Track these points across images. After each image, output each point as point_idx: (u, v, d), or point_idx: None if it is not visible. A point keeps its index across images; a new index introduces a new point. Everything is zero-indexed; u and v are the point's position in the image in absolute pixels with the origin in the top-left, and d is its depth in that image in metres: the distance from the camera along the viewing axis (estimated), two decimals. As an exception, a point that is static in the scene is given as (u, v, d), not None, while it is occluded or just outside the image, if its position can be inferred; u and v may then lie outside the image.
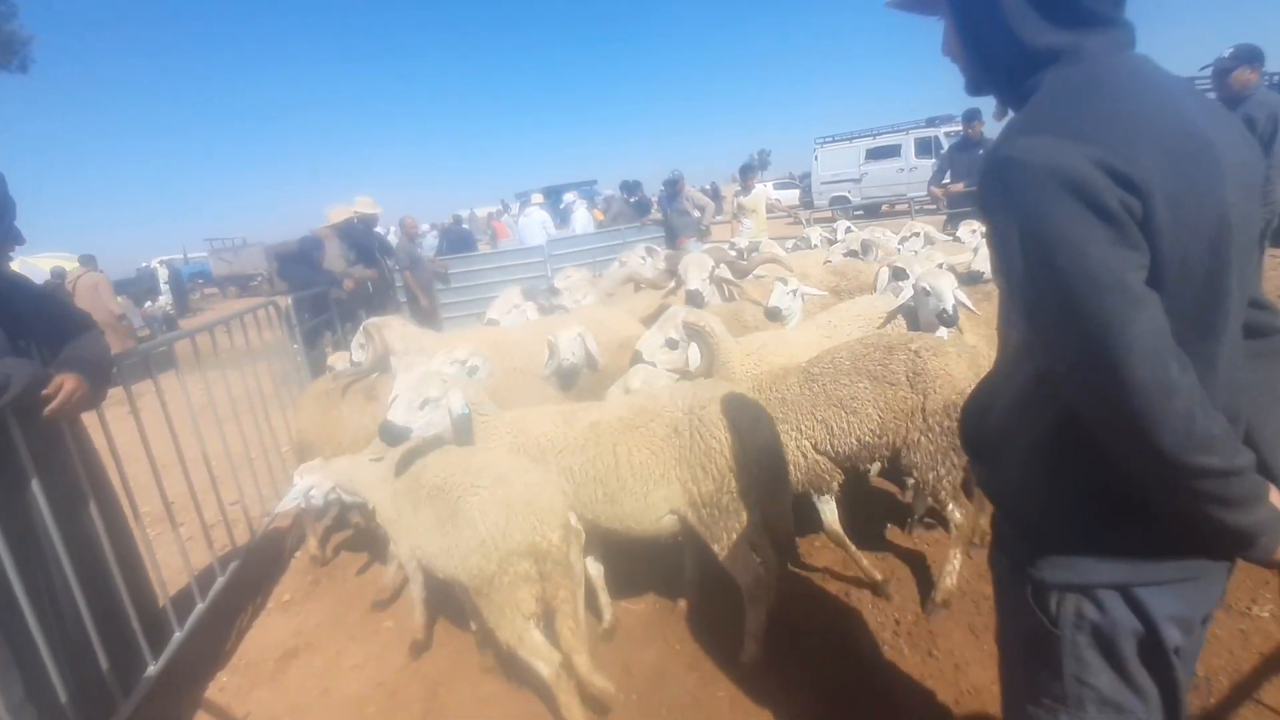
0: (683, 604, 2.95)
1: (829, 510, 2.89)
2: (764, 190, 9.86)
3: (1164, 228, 0.87)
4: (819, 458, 2.80)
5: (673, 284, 4.49)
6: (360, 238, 7.06)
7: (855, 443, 2.73)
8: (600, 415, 2.68)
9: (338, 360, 4.31)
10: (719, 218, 10.97)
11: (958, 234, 5.41)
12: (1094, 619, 1.03)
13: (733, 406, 2.49)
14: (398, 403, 2.58)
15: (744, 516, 2.45)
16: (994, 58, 1.06)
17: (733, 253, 5.41)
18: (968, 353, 2.74)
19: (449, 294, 8.73)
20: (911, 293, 3.35)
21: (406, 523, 2.58)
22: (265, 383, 4.53)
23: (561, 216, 11.66)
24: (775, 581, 2.67)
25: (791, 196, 26.02)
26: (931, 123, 19.39)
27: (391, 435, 2.54)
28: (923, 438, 2.64)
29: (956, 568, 2.72)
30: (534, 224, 10.56)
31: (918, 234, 5.56)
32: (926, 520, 3.29)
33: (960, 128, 9.76)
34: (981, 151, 7.66)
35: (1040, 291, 0.90)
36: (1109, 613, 1.02)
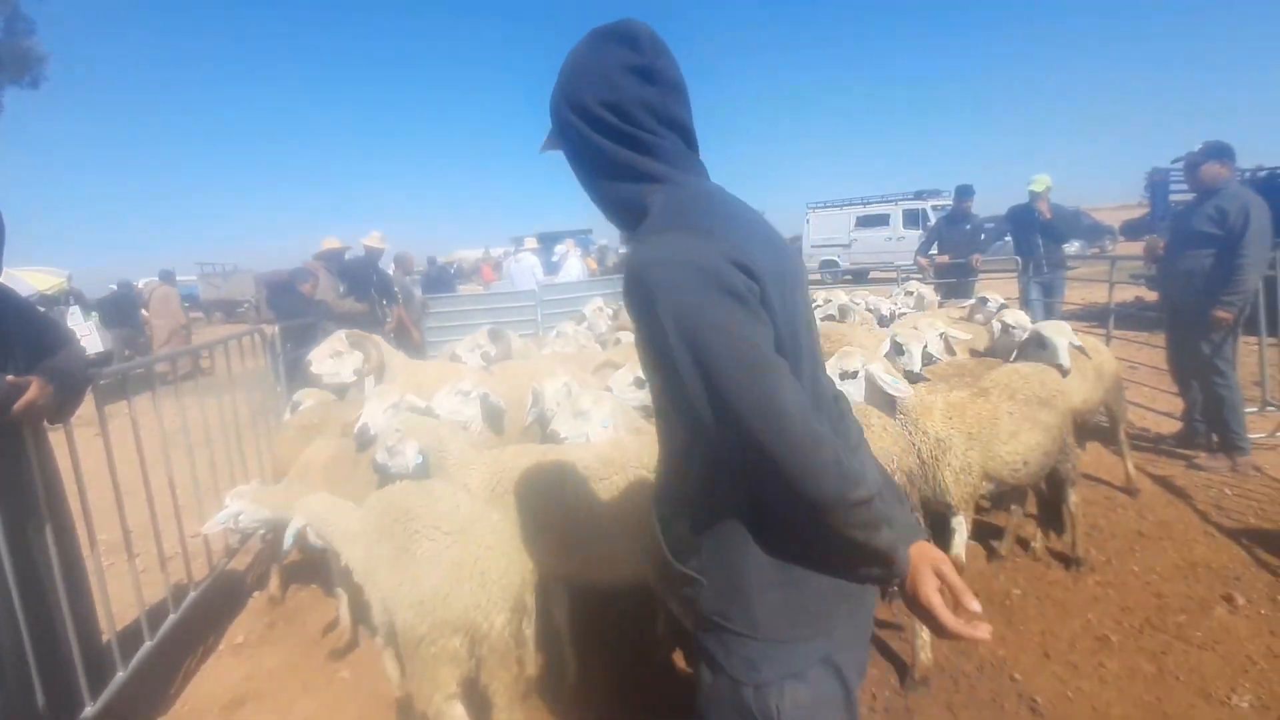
0: (655, 661, 2.85)
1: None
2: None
3: (775, 305, 1.03)
4: None
5: None
6: (359, 271, 7.09)
7: None
8: (570, 459, 2.57)
9: (306, 397, 4.14)
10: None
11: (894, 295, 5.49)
12: (807, 699, 1.10)
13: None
14: (376, 446, 2.54)
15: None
16: (607, 201, 1.20)
17: None
18: (896, 431, 2.73)
19: (433, 334, 8.72)
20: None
21: (375, 567, 2.30)
22: (242, 411, 4.44)
23: (553, 267, 11.73)
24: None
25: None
26: (919, 196, 20.09)
27: (378, 471, 2.49)
28: None
29: (927, 641, 2.68)
30: (525, 269, 10.64)
31: (912, 292, 5.66)
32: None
33: (947, 202, 10.17)
34: (969, 227, 7.94)
35: (703, 374, 0.97)
36: (818, 686, 1.11)
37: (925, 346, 3.50)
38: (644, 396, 3.23)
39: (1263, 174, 10.74)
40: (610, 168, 1.15)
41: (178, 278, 13.84)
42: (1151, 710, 2.50)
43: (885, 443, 2.60)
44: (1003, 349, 4.09)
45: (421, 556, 2.06)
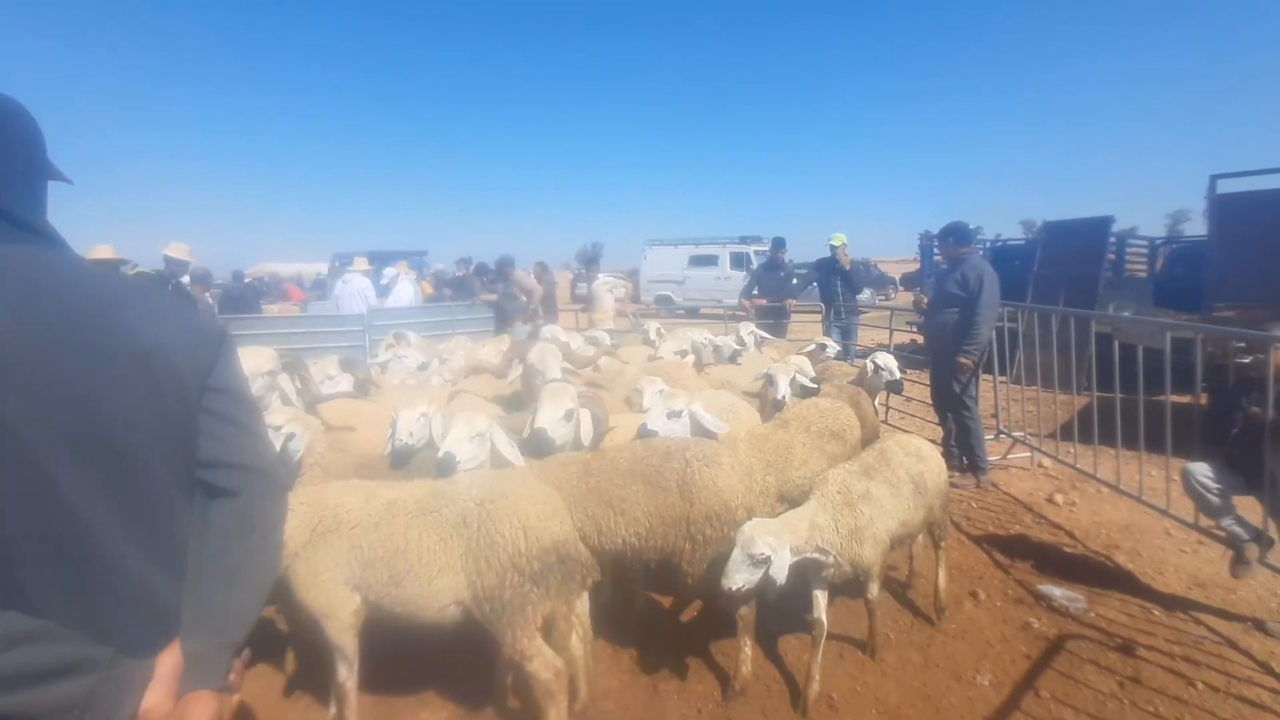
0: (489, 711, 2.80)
1: (582, 604, 2.81)
2: (605, 282, 10.26)
3: None
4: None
5: (516, 373, 4.37)
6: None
7: (620, 543, 2.82)
8: (399, 494, 2.57)
9: None
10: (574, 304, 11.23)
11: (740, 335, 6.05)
12: None
13: (526, 500, 2.49)
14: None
15: (529, 611, 2.40)
16: None
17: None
18: (741, 468, 3.01)
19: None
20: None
21: None
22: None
23: (383, 290, 10.99)
24: (578, 673, 2.64)
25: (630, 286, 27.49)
26: (744, 240, 22.01)
27: None
28: (687, 544, 2.81)
29: (749, 655, 2.93)
30: (353, 291, 9.91)
31: (751, 334, 6.18)
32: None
33: (767, 248, 11.33)
34: (783, 274, 8.92)
35: None
36: None
37: (791, 379, 4.02)
38: (570, 430, 3.19)
39: (999, 244, 13.39)
40: None
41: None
42: (918, 694, 2.97)
43: (732, 480, 2.87)
44: (871, 387, 4.85)
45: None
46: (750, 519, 2.72)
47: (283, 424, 3.05)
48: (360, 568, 2.40)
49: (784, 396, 3.89)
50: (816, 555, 2.76)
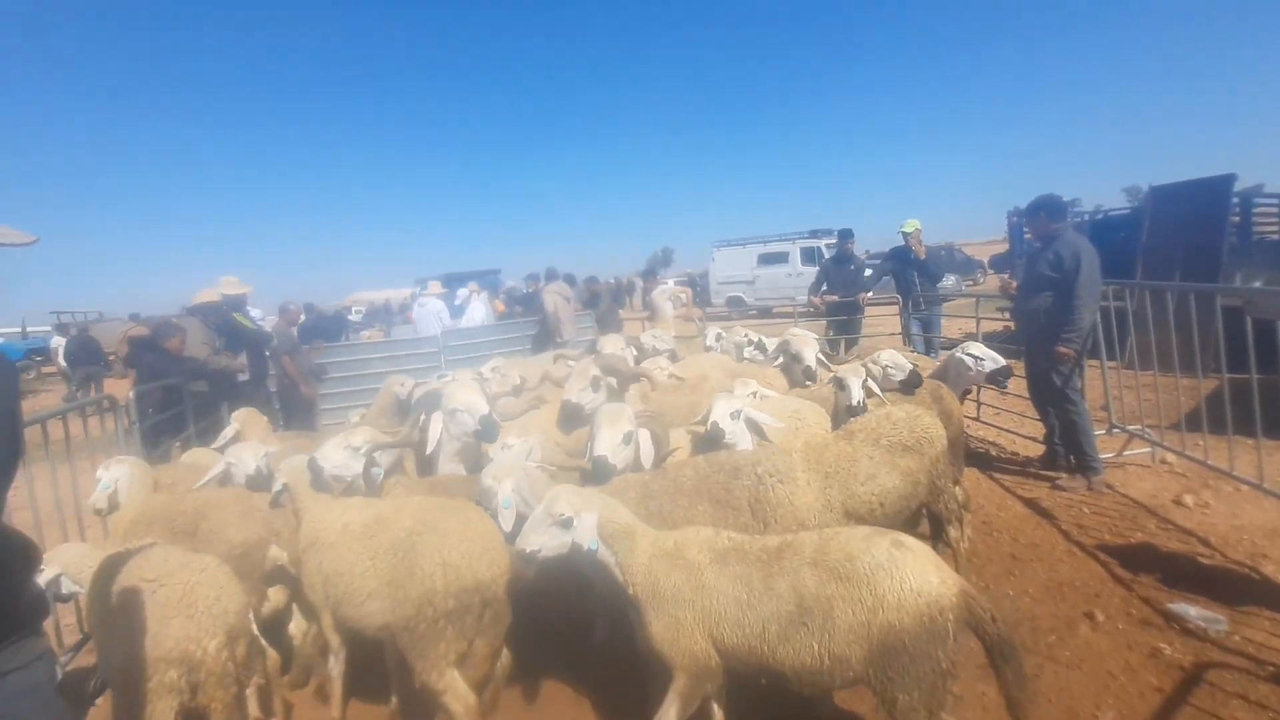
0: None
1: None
2: (666, 289, 10.15)
3: None
4: None
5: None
6: (227, 321, 6.58)
7: None
8: (361, 517, 2.73)
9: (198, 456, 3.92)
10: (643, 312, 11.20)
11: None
12: None
13: (454, 537, 2.46)
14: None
15: (442, 648, 2.38)
16: None
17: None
18: (816, 483, 2.80)
19: (331, 384, 8.21)
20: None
21: (100, 620, 2.47)
22: (84, 491, 3.94)
23: (456, 311, 11.37)
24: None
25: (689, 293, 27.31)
26: (814, 234, 21.32)
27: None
28: None
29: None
30: (429, 314, 10.32)
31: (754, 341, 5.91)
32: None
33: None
34: (853, 267, 8.48)
35: None
36: None
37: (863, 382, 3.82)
38: (629, 453, 3.11)
39: (1099, 216, 12.21)
40: None
41: (28, 329, 12.60)
42: (1027, 736, 2.62)
43: (808, 498, 2.66)
44: (957, 382, 4.58)
45: (131, 606, 2.27)
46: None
47: (361, 444, 3.18)
48: (321, 584, 2.66)
49: (859, 402, 3.61)
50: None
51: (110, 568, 2.44)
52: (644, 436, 3.14)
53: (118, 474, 3.33)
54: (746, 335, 6.04)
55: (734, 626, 2.13)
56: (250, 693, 2.69)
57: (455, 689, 2.40)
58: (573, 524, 2.26)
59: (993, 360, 4.45)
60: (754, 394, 3.81)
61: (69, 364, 14.68)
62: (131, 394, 4.73)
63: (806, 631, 2.04)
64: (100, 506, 3.31)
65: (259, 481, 3.40)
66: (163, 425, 5.22)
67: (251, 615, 2.64)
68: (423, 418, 3.52)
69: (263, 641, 2.79)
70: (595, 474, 2.94)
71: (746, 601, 2.12)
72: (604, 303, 10.50)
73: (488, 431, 3.28)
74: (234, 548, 3.00)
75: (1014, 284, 5.42)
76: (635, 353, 5.19)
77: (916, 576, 1.98)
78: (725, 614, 2.14)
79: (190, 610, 2.30)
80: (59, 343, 17.39)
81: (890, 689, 1.98)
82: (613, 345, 4.96)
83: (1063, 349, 4.69)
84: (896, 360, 4.22)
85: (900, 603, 1.95)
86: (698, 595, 2.18)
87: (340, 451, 3.04)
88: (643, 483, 2.82)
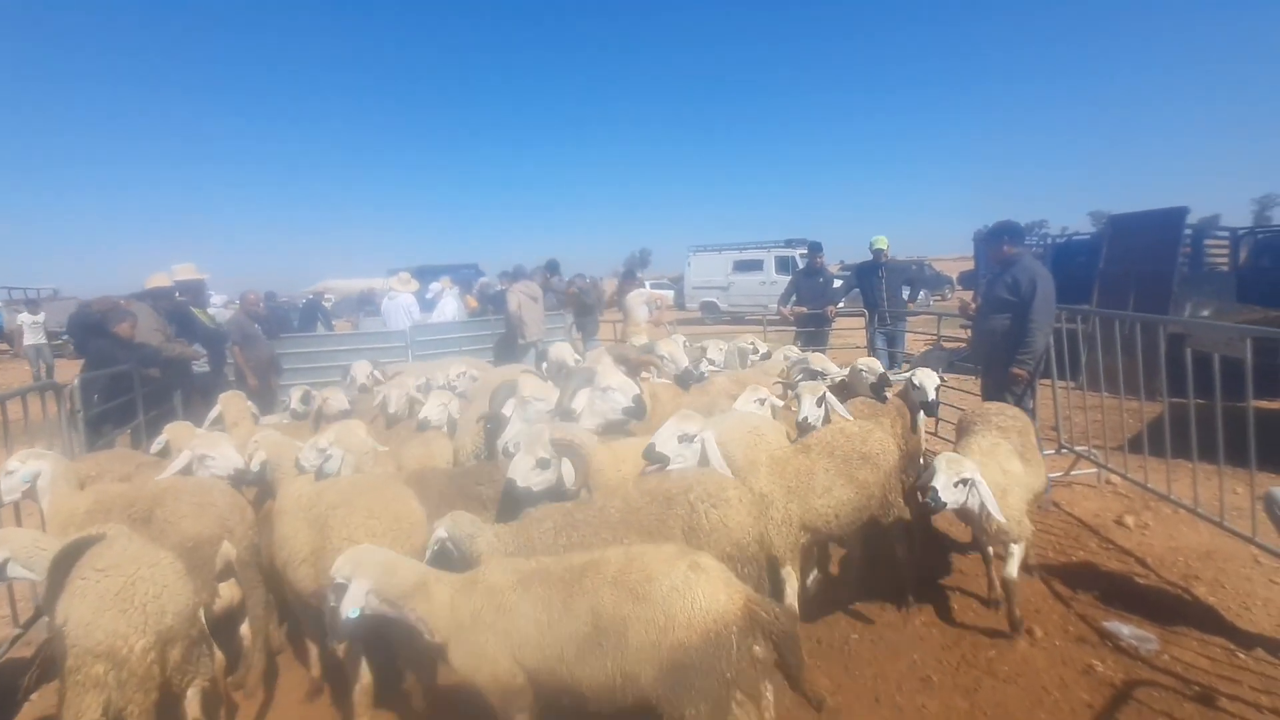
0: None
1: None
2: (638, 294, 10.16)
3: None
4: None
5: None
6: (179, 308, 6.42)
7: None
8: (312, 490, 3.04)
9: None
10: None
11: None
12: None
13: (361, 513, 2.71)
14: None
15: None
16: None
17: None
18: (749, 499, 2.82)
19: (295, 375, 8.02)
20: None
21: (53, 604, 2.43)
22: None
23: (428, 305, 11.18)
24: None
25: (666, 298, 27.41)
26: (790, 244, 21.57)
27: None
28: None
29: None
30: (399, 306, 10.13)
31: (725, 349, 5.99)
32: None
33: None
34: (821, 279, 8.60)
35: None
36: None
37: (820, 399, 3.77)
38: (548, 478, 3.06)
39: (1062, 240, 12.60)
40: None
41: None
42: (962, 749, 2.70)
43: (741, 516, 2.67)
44: (913, 403, 4.46)
45: (74, 592, 2.25)
46: (764, 553, 2.54)
47: (326, 445, 3.32)
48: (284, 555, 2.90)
49: (805, 418, 3.61)
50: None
51: (72, 552, 2.39)
52: (565, 465, 3.10)
53: (37, 469, 3.13)
54: (753, 344, 6.12)
55: (535, 649, 2.15)
56: (193, 694, 2.56)
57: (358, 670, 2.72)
58: (344, 591, 2.20)
59: (925, 393, 4.25)
60: (762, 400, 3.88)
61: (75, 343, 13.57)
62: (76, 380, 4.56)
63: (601, 651, 2.07)
64: (13, 499, 3.14)
65: (243, 478, 3.35)
66: (109, 413, 5.04)
67: (202, 614, 2.57)
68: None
69: (212, 642, 2.69)
70: (507, 496, 3.00)
71: (547, 623, 2.14)
72: (590, 298, 10.48)
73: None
74: (186, 539, 2.88)
75: (973, 304, 5.56)
76: (579, 359, 5.25)
77: (706, 596, 2.05)
78: (526, 636, 2.16)
79: (126, 605, 2.23)
80: (26, 319, 15.69)
81: (679, 706, 2.03)
82: (560, 352, 5.03)
83: (1017, 370, 4.83)
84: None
85: (690, 622, 2.02)
86: (498, 618, 2.19)
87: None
88: (565, 512, 2.77)
